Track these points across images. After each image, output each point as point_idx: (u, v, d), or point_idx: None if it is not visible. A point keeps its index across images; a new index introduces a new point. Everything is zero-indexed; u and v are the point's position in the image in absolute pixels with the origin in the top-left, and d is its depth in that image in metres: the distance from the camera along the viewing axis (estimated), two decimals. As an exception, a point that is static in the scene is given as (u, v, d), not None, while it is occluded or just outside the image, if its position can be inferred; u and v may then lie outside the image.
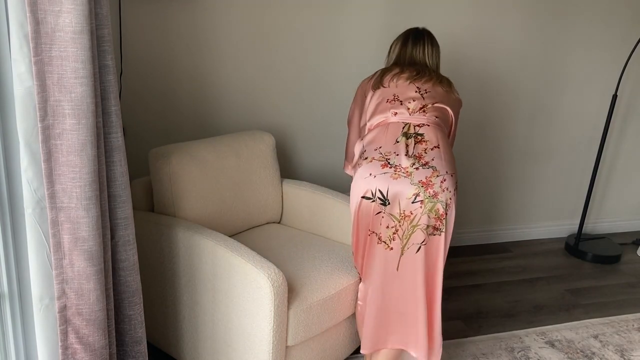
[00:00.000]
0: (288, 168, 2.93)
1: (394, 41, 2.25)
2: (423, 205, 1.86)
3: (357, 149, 2.13)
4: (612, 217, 3.82)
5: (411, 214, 1.88)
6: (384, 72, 2.16)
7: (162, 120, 2.64)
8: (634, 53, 3.12)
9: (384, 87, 2.10)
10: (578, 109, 3.43)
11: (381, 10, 2.84)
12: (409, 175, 1.87)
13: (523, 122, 3.35)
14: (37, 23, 1.32)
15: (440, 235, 1.90)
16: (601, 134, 3.34)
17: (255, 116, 2.78)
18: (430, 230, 1.88)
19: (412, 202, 1.87)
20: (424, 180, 1.86)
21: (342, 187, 2.89)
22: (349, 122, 2.31)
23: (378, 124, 2.03)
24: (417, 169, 1.87)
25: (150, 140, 2.57)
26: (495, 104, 3.25)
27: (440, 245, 1.92)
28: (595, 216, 3.75)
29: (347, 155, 2.36)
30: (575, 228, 3.64)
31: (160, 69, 2.56)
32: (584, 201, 3.49)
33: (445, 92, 2.09)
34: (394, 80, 2.10)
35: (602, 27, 3.29)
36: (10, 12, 1.33)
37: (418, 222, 1.88)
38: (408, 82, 2.08)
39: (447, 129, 2.08)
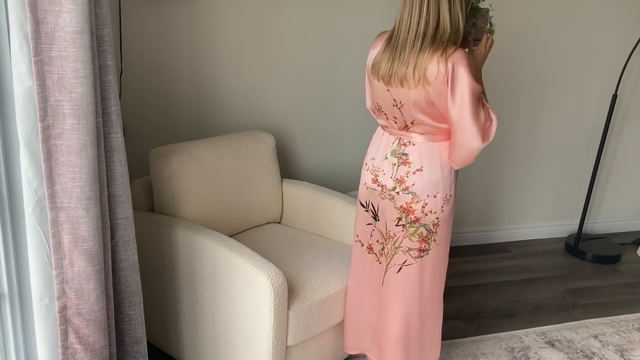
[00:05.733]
0: (288, 168, 2.93)
1: None
2: (405, 230, 1.85)
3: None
4: (612, 217, 3.81)
5: (395, 235, 1.87)
6: (380, 42, 1.82)
7: (162, 120, 2.63)
8: (633, 53, 3.12)
9: (372, 76, 1.83)
10: (578, 109, 3.43)
11: (382, 9, 2.83)
12: (392, 199, 1.85)
13: (523, 122, 3.35)
14: (37, 23, 1.32)
15: (427, 254, 1.87)
16: (601, 134, 3.34)
17: (255, 116, 2.78)
18: (415, 252, 1.87)
19: (396, 225, 1.86)
20: (405, 205, 1.83)
21: (342, 187, 2.90)
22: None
23: (379, 124, 2.00)
24: (398, 193, 1.83)
25: (150, 140, 2.57)
26: (494, 103, 3.25)
27: (430, 264, 1.89)
28: (595, 216, 3.75)
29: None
30: (575, 228, 3.64)
31: (160, 69, 2.56)
32: (584, 201, 3.49)
33: (422, 93, 1.69)
34: (375, 71, 1.79)
35: (602, 27, 3.28)
36: (10, 12, 1.33)
37: (400, 244, 1.87)
38: (383, 83, 1.77)
39: (443, 128, 1.79)
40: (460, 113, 1.68)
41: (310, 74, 2.83)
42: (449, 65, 1.64)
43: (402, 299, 1.91)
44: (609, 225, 3.81)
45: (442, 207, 1.84)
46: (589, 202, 3.44)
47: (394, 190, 1.84)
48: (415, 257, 1.86)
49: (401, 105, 1.77)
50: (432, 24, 1.64)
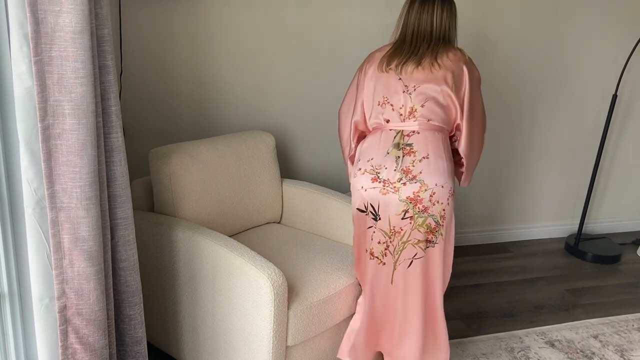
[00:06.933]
0: (288, 168, 2.93)
1: (404, 4, 2.01)
2: (413, 221, 1.85)
3: (357, 154, 2.04)
4: (612, 217, 3.82)
5: (401, 230, 1.87)
6: (382, 54, 2.01)
7: (162, 120, 2.64)
8: (634, 53, 3.12)
9: (378, 73, 1.97)
10: (578, 109, 3.43)
11: (382, 9, 2.84)
12: (396, 191, 1.85)
13: (523, 122, 3.35)
14: (37, 23, 1.32)
15: (434, 247, 1.88)
16: (601, 134, 3.34)
17: (255, 116, 2.78)
18: (424, 244, 1.87)
19: (402, 219, 1.86)
20: (412, 196, 1.83)
21: (342, 187, 2.89)
22: (340, 113, 2.19)
23: (374, 128, 2.01)
24: (404, 184, 1.83)
25: (150, 140, 2.57)
26: (494, 104, 3.25)
27: (436, 258, 1.90)
28: (595, 216, 3.75)
29: (341, 144, 2.21)
30: (575, 228, 3.64)
31: (160, 69, 2.56)
32: (584, 201, 3.49)
33: (438, 73, 1.89)
34: (387, 67, 1.95)
35: (602, 27, 3.28)
36: (10, 12, 1.33)
37: (408, 237, 1.87)
38: (399, 70, 1.92)
39: (449, 124, 1.94)
40: (477, 99, 1.99)
41: (310, 74, 2.83)
42: (467, 61, 1.95)
43: (416, 293, 1.91)
44: (609, 225, 3.81)
45: (448, 199, 1.86)
46: (589, 202, 3.44)
47: (399, 181, 1.84)
48: (424, 249, 1.87)
49: (414, 89, 1.88)
50: (445, 30, 1.95)
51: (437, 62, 1.89)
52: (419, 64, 1.90)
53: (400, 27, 1.99)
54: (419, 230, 1.85)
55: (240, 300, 1.84)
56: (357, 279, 2.05)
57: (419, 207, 1.83)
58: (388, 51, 1.98)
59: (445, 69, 1.89)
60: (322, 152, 2.98)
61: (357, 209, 1.94)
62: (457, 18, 1.98)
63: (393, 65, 1.93)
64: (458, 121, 1.95)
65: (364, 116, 2.03)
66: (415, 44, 1.93)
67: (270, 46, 2.72)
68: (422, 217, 1.83)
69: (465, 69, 1.92)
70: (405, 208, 1.84)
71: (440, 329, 2.00)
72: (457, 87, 1.90)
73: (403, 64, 1.92)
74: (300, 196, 2.47)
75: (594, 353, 2.45)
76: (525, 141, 3.40)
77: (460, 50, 1.97)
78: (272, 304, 1.76)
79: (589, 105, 3.44)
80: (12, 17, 1.33)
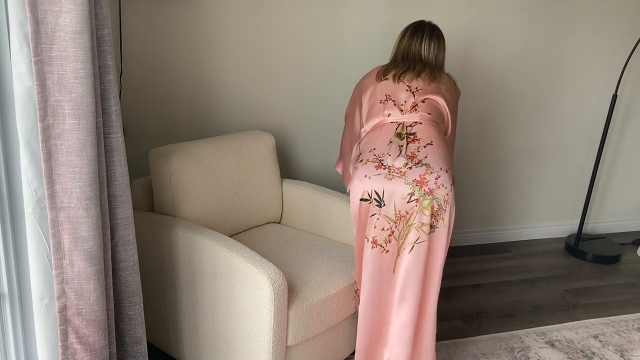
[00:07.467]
0: (288, 168, 2.93)
1: (399, 35, 2.23)
2: (418, 204, 1.86)
3: (354, 153, 2.11)
4: (612, 217, 3.82)
5: (407, 213, 1.88)
6: (378, 70, 2.17)
7: (162, 120, 2.64)
8: (634, 53, 3.12)
9: (376, 82, 2.11)
10: (578, 109, 3.43)
11: (381, 9, 2.84)
12: (402, 175, 1.86)
13: (523, 122, 3.35)
14: (37, 23, 1.32)
15: (434, 232, 1.89)
16: (601, 134, 3.34)
17: (255, 116, 2.78)
18: (427, 228, 1.88)
19: (408, 202, 1.87)
20: (418, 178, 1.86)
21: (342, 187, 2.89)
22: (346, 117, 2.30)
23: (373, 126, 2.04)
24: (410, 168, 1.87)
25: (150, 140, 2.57)
26: (495, 104, 3.25)
27: (437, 243, 1.91)
28: (595, 216, 3.75)
29: (341, 150, 2.35)
30: (575, 228, 3.64)
31: (160, 69, 2.56)
32: (584, 201, 3.49)
33: (437, 86, 2.06)
34: (384, 77, 2.10)
35: (603, 28, 3.28)
36: (10, 12, 1.33)
37: (413, 221, 1.88)
38: (397, 79, 2.07)
39: (443, 125, 2.06)
40: (456, 114, 2.15)
41: (310, 74, 2.83)
42: (454, 84, 2.14)
43: (414, 280, 1.90)
44: (609, 225, 3.81)
45: (451, 185, 1.89)
46: (589, 202, 3.44)
47: (405, 166, 1.88)
48: (427, 233, 1.88)
49: (417, 90, 2.02)
50: (433, 60, 2.13)
51: (436, 81, 2.07)
52: (418, 75, 2.06)
53: (393, 53, 2.21)
54: (424, 213, 1.86)
55: (240, 300, 1.84)
56: (355, 284, 2.05)
57: (424, 190, 1.86)
58: (382, 66, 2.15)
59: (443, 85, 2.08)
60: (322, 152, 2.98)
61: (361, 199, 1.93)
62: (446, 51, 2.19)
63: (390, 76, 2.09)
64: (449, 130, 2.11)
65: (363, 120, 2.13)
66: (408, 62, 2.12)
67: (271, 46, 2.72)
68: (427, 199, 1.86)
69: (454, 91, 2.14)
70: (411, 191, 1.86)
71: (426, 333, 1.97)
72: (450, 104, 2.08)
73: (400, 75, 2.07)
74: (300, 196, 2.47)
75: (594, 353, 2.45)
76: (525, 141, 3.40)
77: (447, 74, 2.16)
78: (272, 304, 1.76)
79: (589, 105, 3.45)
80: (12, 17, 1.33)
